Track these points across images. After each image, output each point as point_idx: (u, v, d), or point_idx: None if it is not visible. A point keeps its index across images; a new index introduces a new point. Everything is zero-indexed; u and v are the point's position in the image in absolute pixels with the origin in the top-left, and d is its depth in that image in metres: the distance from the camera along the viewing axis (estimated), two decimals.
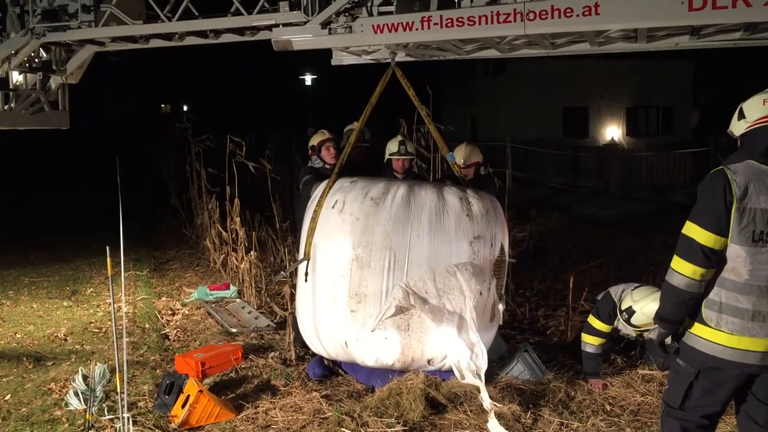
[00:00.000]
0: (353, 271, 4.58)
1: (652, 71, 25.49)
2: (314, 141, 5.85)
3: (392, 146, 5.75)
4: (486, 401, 4.20)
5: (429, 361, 4.65)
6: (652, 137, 26.02)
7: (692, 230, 2.93)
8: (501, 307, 5.01)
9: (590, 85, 26.01)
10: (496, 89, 27.55)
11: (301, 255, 4.95)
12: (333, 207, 4.78)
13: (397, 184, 4.79)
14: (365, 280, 4.56)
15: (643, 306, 4.74)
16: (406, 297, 4.45)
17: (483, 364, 4.43)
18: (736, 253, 2.88)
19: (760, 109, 2.99)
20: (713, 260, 2.90)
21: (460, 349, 4.46)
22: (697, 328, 3.00)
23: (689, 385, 3.02)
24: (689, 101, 28.74)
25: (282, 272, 5.88)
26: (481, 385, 4.31)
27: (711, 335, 2.96)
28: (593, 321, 5.03)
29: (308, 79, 42.25)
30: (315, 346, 5.04)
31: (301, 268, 4.93)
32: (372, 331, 4.54)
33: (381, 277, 4.53)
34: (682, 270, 2.94)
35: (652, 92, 26.76)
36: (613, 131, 27.40)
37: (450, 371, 4.60)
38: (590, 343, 4.99)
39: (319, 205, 4.87)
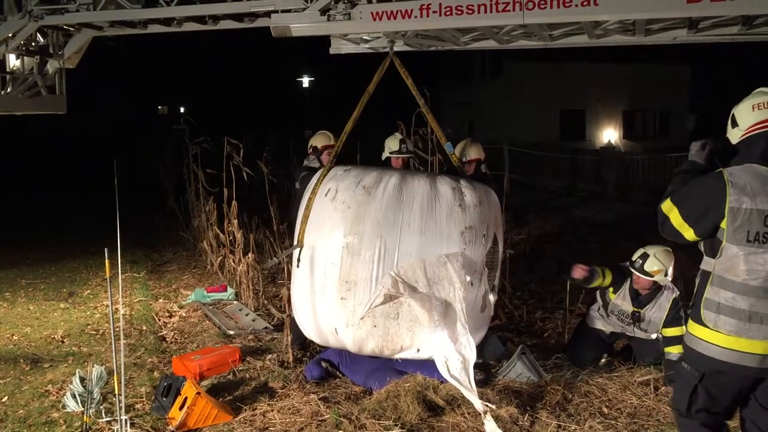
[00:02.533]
0: (344, 259, 4.58)
1: (649, 75, 25.56)
2: (318, 143, 5.81)
3: (393, 144, 5.71)
4: (476, 403, 4.16)
5: (418, 350, 4.63)
6: (648, 140, 26.05)
7: (671, 213, 3.07)
8: (492, 298, 4.97)
9: (587, 88, 26.06)
10: (494, 92, 27.57)
11: (295, 242, 4.95)
12: (326, 195, 4.78)
13: (390, 174, 4.76)
14: (355, 268, 4.55)
15: (656, 251, 5.05)
16: (395, 285, 4.43)
17: (470, 355, 4.38)
18: (732, 252, 2.91)
19: (750, 115, 3.03)
20: (680, 237, 3.07)
21: (447, 338, 4.42)
22: (698, 330, 3.03)
23: (693, 389, 3.03)
24: (686, 105, 28.81)
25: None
26: (463, 386, 4.25)
27: (710, 336, 2.97)
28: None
29: (305, 81, 42.35)
30: (307, 331, 5.05)
31: (295, 255, 4.92)
32: (361, 318, 4.53)
33: (371, 266, 4.52)
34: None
35: (649, 95, 26.80)
36: (610, 134, 27.46)
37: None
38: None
39: (313, 192, 4.88)
